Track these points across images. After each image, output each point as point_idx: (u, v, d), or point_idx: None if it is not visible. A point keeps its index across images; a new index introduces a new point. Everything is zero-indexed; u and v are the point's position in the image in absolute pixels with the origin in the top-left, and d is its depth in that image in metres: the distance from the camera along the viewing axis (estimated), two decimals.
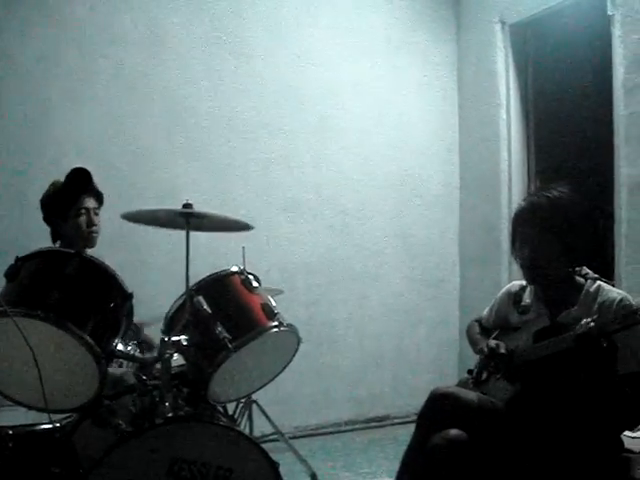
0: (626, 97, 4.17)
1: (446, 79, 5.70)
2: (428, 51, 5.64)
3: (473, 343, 2.84)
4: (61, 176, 3.44)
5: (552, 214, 2.52)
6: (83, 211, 3.33)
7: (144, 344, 3.14)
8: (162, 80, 4.76)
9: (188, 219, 2.54)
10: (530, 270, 2.58)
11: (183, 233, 2.57)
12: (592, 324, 2.25)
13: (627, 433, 2.61)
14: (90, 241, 3.34)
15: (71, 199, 3.32)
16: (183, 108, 4.81)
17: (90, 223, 3.35)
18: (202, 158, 4.85)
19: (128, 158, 4.63)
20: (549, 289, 2.61)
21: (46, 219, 3.40)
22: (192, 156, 4.83)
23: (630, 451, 2.53)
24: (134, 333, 2.97)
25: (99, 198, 3.43)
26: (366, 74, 5.41)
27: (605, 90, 4.34)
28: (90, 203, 3.37)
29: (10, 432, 2.43)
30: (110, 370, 2.48)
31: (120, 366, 3.03)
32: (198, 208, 2.59)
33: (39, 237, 3.37)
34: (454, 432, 2.42)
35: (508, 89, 5.20)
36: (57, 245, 3.36)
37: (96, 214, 3.39)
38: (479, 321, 2.98)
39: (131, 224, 2.77)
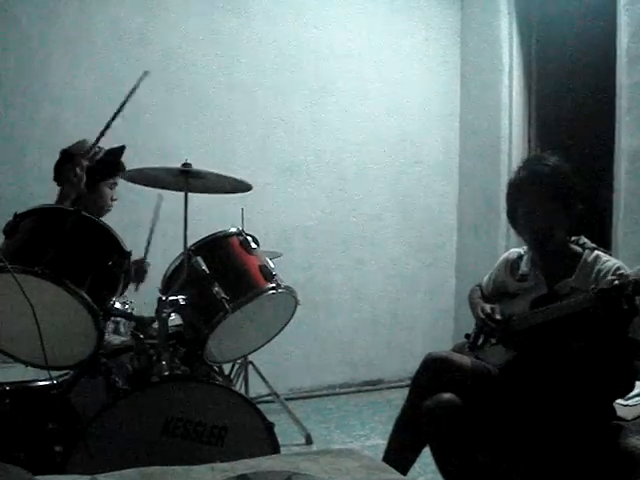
0: (629, 66, 4.13)
1: (448, 44, 5.65)
2: (431, 15, 5.57)
3: (473, 307, 2.85)
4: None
5: (557, 182, 2.52)
6: (114, 186, 3.42)
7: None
8: (161, 39, 4.71)
9: (187, 178, 2.53)
10: (541, 239, 2.58)
11: (181, 194, 2.57)
12: (616, 282, 2.23)
13: (619, 401, 2.63)
14: (105, 213, 3.39)
15: (114, 171, 3.37)
16: (182, 67, 4.77)
17: (113, 198, 3.44)
18: (200, 119, 4.83)
19: (126, 117, 4.58)
20: (547, 258, 2.61)
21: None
22: (190, 117, 4.80)
23: (622, 419, 2.55)
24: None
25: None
26: (367, 37, 5.36)
27: (608, 59, 4.30)
28: (119, 179, 3.42)
29: (7, 388, 2.45)
30: (107, 338, 2.50)
31: (117, 326, 3.05)
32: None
33: (37, 194, 3.37)
34: (447, 396, 2.45)
35: (511, 55, 5.15)
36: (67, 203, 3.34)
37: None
38: (481, 286, 2.98)
39: (129, 183, 2.77)
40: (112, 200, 3.43)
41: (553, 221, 2.52)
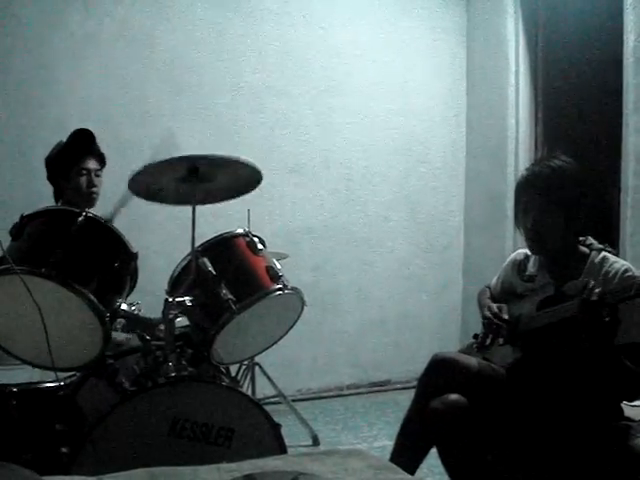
0: (636, 65, 4.12)
1: (455, 44, 5.64)
2: (437, 15, 5.57)
3: (481, 307, 2.84)
4: (65, 136, 3.44)
5: (555, 183, 2.49)
6: (84, 172, 3.35)
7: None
8: (167, 40, 4.73)
9: (195, 176, 2.50)
10: (533, 240, 2.57)
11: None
12: (596, 290, 2.24)
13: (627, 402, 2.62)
14: (90, 202, 3.35)
15: (73, 159, 3.34)
16: (188, 70, 4.78)
17: (90, 184, 3.36)
18: (207, 121, 4.83)
19: (132, 119, 4.61)
20: (553, 259, 2.59)
21: (49, 178, 3.41)
22: (197, 118, 4.80)
23: (629, 419, 2.54)
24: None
25: (101, 160, 3.44)
26: (373, 38, 5.36)
27: (615, 58, 4.29)
28: (91, 164, 3.38)
29: (14, 390, 2.45)
30: (113, 334, 2.50)
31: (123, 329, 3.05)
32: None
33: (43, 196, 3.38)
34: (454, 397, 2.44)
35: (517, 55, 5.14)
36: (59, 204, 3.37)
37: (97, 175, 3.40)
38: (490, 288, 2.96)
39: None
40: (92, 186, 3.36)
41: (546, 223, 2.50)
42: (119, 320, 2.73)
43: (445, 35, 5.60)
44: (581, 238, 2.60)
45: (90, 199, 3.36)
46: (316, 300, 4.86)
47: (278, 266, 2.67)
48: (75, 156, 3.33)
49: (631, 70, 4.15)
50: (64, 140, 3.41)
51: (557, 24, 5.07)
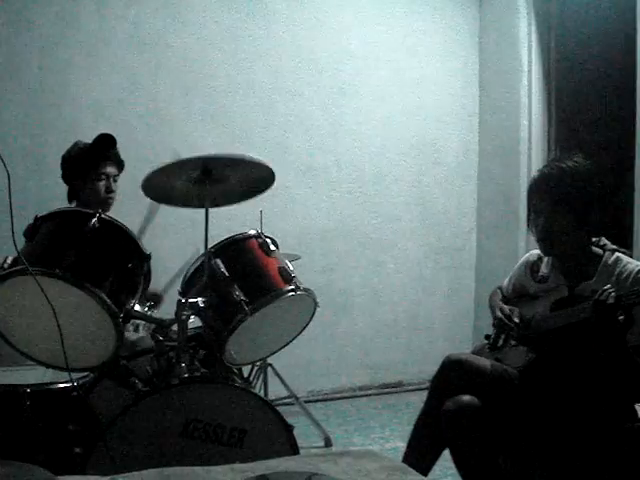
0: None
1: (467, 45, 5.63)
2: (449, 16, 5.56)
3: (492, 309, 2.83)
4: (78, 137, 3.45)
5: (565, 185, 2.48)
6: (103, 176, 3.37)
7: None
8: (180, 43, 4.74)
9: (208, 177, 2.51)
10: (544, 242, 2.57)
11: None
12: (613, 293, 2.23)
13: None
14: (106, 206, 3.37)
15: (94, 163, 3.36)
16: (201, 71, 4.79)
17: (108, 189, 3.39)
18: (219, 122, 4.84)
19: (145, 121, 4.63)
20: (566, 260, 2.59)
21: (65, 178, 3.42)
22: (209, 120, 4.81)
23: None
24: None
25: (120, 165, 3.46)
26: (386, 39, 5.36)
27: (629, 58, 4.27)
28: (111, 169, 3.40)
29: (28, 390, 2.46)
30: (125, 334, 2.51)
31: (136, 329, 3.06)
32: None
33: (57, 197, 3.39)
34: (466, 398, 2.44)
35: (530, 56, 5.13)
36: (73, 205, 3.38)
37: (115, 180, 3.43)
38: (501, 289, 2.96)
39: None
40: (110, 192, 3.38)
41: (556, 225, 2.49)
42: (133, 321, 2.74)
43: (457, 36, 5.59)
44: (594, 239, 2.59)
45: (107, 204, 3.38)
46: (328, 301, 4.86)
47: (290, 267, 2.66)
48: (96, 160, 3.36)
49: None
50: (81, 140, 3.42)
51: (570, 24, 5.05)
